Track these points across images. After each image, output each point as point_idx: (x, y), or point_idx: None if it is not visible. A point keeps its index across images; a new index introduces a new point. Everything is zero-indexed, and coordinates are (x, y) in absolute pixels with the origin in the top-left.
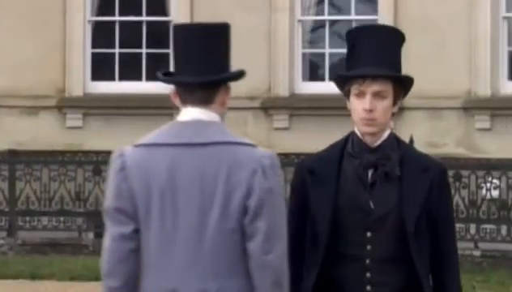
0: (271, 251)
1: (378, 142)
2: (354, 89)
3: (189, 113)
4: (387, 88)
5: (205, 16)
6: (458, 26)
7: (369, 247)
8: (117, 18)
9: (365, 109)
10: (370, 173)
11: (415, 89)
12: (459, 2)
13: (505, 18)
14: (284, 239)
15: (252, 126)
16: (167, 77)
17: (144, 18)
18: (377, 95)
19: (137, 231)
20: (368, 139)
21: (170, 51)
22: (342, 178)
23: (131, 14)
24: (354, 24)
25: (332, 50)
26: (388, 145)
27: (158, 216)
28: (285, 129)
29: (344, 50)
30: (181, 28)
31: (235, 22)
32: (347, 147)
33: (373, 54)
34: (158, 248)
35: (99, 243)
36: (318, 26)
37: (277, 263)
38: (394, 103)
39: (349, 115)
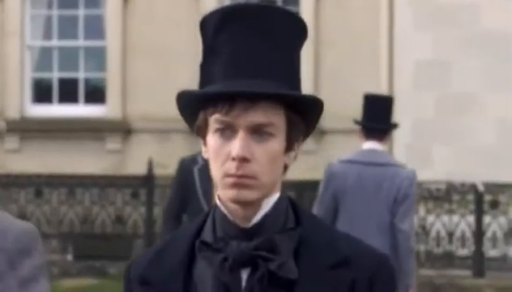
0: (404, 222)
1: (257, 217)
2: (214, 121)
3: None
4: (276, 118)
5: None
6: None
7: None
8: None
9: (234, 156)
10: (245, 275)
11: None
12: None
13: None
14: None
15: None
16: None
17: None
18: (258, 131)
19: None
20: (239, 214)
21: None
22: (193, 287)
23: None
24: (82, 51)
25: (61, 74)
26: (275, 222)
27: None
28: (16, 151)
29: (73, 75)
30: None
31: None
32: (204, 232)
33: (250, 57)
34: None
35: None
36: (47, 51)
37: (407, 230)
38: (289, 146)
39: (83, 138)
